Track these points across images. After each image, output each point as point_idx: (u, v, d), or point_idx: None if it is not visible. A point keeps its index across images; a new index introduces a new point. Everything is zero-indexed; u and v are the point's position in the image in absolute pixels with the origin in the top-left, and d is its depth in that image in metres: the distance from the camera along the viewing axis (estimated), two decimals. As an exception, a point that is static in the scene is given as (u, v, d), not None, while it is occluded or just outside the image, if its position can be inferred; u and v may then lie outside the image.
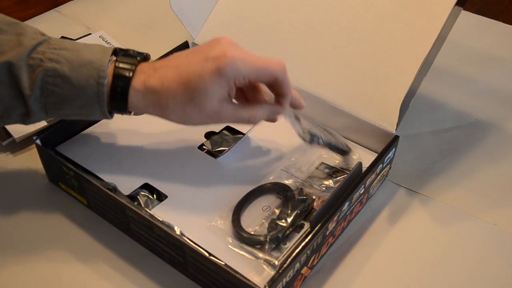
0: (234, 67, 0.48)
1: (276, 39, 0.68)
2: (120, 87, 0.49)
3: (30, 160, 0.64)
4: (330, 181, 0.57)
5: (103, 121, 0.64)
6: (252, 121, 0.53)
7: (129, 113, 0.53)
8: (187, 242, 0.48)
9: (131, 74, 0.50)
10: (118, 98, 0.50)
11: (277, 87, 0.52)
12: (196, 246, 0.48)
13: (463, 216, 0.59)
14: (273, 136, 0.64)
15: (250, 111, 0.52)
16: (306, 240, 0.48)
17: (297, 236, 0.52)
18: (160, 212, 0.53)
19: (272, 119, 0.55)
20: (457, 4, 0.58)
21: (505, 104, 0.75)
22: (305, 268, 0.50)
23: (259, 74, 0.50)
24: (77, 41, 0.82)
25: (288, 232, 0.51)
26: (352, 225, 0.58)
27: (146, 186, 0.57)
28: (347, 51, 0.64)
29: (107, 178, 0.56)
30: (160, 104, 0.50)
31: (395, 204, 0.60)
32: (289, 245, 0.51)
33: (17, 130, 0.65)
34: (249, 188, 0.56)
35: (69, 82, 0.48)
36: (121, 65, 0.50)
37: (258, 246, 0.50)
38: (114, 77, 0.49)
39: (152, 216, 0.50)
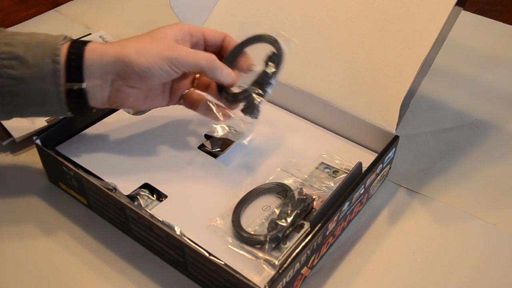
0: (187, 24, 0.55)
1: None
2: (74, 54, 0.50)
3: (30, 160, 0.64)
4: (330, 181, 0.57)
5: (103, 121, 0.64)
6: (211, 63, 0.53)
7: (90, 108, 0.53)
8: (187, 242, 0.48)
9: (84, 45, 0.51)
10: (73, 66, 0.50)
11: (226, 45, 0.57)
12: (196, 246, 0.48)
13: (463, 216, 0.59)
14: (273, 136, 0.64)
15: (209, 54, 0.53)
16: (306, 240, 0.48)
17: (297, 236, 0.52)
18: (160, 212, 0.53)
19: (227, 79, 0.55)
20: (457, 4, 0.58)
21: (505, 104, 0.75)
22: (305, 268, 0.50)
23: (209, 30, 0.56)
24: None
25: (288, 232, 0.51)
26: (352, 225, 0.58)
27: (146, 186, 0.57)
28: (347, 51, 0.64)
29: (107, 178, 0.56)
30: (120, 52, 0.51)
31: (395, 204, 0.60)
32: (289, 245, 0.51)
33: (17, 130, 0.65)
34: (249, 188, 0.56)
35: (25, 63, 0.49)
36: (74, 44, 0.51)
37: (258, 246, 0.50)
38: (68, 53, 0.50)
39: (152, 216, 0.50)
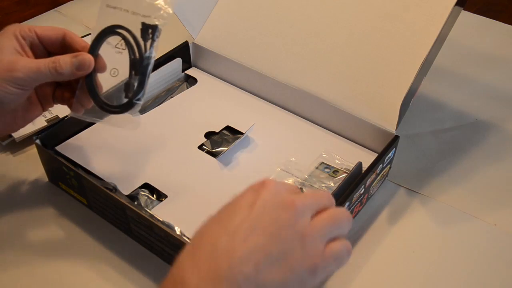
0: (16, 24, 0.51)
1: (276, 39, 0.68)
2: None
3: (30, 160, 0.64)
4: (330, 181, 0.57)
5: (103, 120, 0.64)
6: (59, 68, 0.49)
7: None
8: (187, 242, 0.48)
9: None
10: None
11: (69, 42, 0.53)
12: (196, 246, 0.47)
13: (463, 216, 0.59)
14: (273, 136, 0.64)
15: (52, 58, 0.49)
16: (306, 240, 0.47)
17: (297, 236, 0.51)
18: (160, 212, 0.53)
19: (83, 66, 0.51)
20: (457, 4, 0.58)
21: (505, 104, 0.75)
22: (305, 268, 0.50)
23: (44, 28, 0.52)
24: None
25: (288, 232, 0.51)
26: (352, 225, 0.58)
27: (146, 186, 0.57)
28: (347, 51, 0.64)
29: (107, 178, 0.56)
30: None
31: (395, 204, 0.60)
32: (289, 245, 0.51)
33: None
34: (249, 188, 0.56)
35: None
36: None
37: (258, 246, 0.50)
38: None
39: (152, 216, 0.50)
